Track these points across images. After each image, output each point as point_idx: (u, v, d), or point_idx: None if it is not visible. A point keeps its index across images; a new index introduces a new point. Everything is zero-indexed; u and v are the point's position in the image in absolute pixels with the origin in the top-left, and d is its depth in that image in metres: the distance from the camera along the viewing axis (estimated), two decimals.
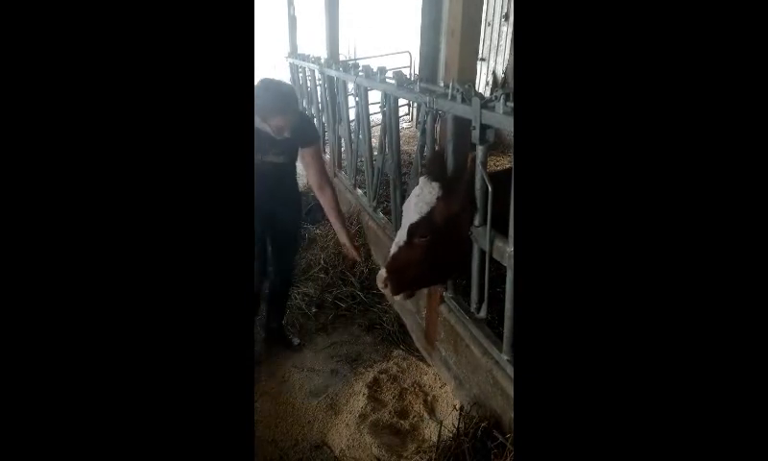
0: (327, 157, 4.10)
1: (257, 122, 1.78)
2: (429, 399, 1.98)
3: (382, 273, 1.58)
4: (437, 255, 1.58)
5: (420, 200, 1.59)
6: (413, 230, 1.58)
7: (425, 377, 2.11)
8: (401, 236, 1.60)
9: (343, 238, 2.18)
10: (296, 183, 2.18)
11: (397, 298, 1.66)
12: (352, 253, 2.20)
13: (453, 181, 1.63)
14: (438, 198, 1.58)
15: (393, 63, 6.82)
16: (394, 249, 1.62)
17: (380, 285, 1.59)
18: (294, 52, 5.10)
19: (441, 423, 1.75)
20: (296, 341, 2.36)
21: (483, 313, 1.70)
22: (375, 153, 2.92)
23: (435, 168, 1.67)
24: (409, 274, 1.59)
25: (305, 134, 1.98)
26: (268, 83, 1.79)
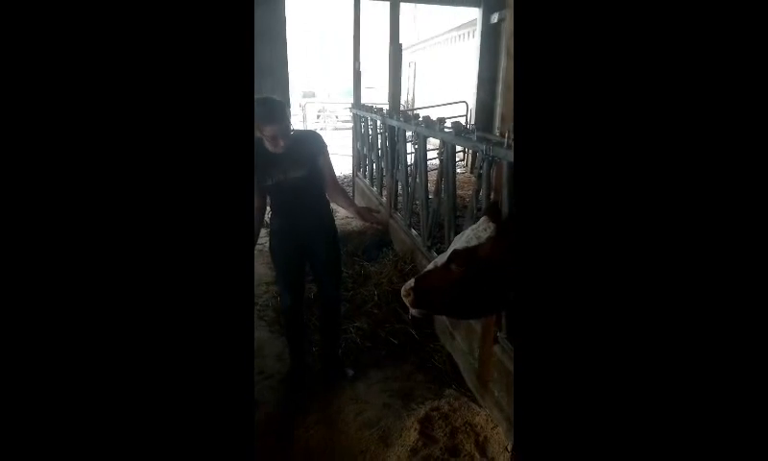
0: (384, 199, 4.31)
1: (267, 145, 1.95)
2: (481, 439, 1.97)
3: (410, 282, 1.61)
4: (465, 290, 1.62)
5: (474, 233, 1.67)
6: (454, 256, 1.64)
7: (477, 418, 2.10)
8: (442, 258, 1.66)
9: (360, 217, 2.23)
10: (326, 203, 2.26)
11: (413, 312, 1.68)
12: (371, 217, 2.21)
13: (508, 225, 1.71)
14: (489, 237, 1.65)
15: (449, 112, 7.09)
16: (430, 266, 1.68)
17: (403, 293, 1.61)
18: (357, 103, 5.50)
19: (483, 439, 1.74)
20: (350, 372, 2.45)
21: None
22: (431, 196, 3.07)
23: (494, 211, 1.76)
24: (434, 295, 1.61)
25: (313, 144, 2.11)
26: (257, 99, 1.90)
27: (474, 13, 8.01)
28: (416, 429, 2.02)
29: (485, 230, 1.68)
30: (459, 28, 10.50)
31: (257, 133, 1.95)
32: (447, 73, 11.29)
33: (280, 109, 1.95)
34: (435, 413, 2.14)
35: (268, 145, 1.97)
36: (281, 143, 1.96)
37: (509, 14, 1.88)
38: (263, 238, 3.00)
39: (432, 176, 3.40)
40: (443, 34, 11.63)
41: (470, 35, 9.57)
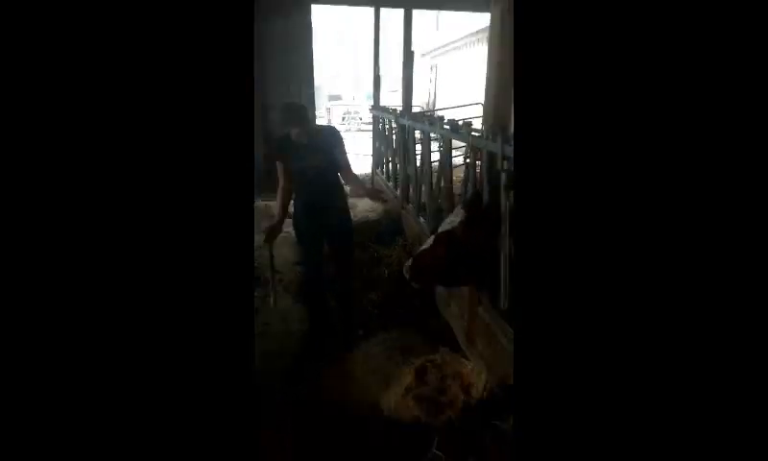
0: (399, 192, 4.72)
1: (294, 135, 2.44)
2: (466, 383, 2.36)
3: (409, 262, 2.09)
4: (450, 264, 2.06)
5: (449, 219, 2.12)
6: (436, 237, 2.08)
7: (465, 369, 2.49)
8: (429, 241, 2.12)
9: (369, 197, 2.76)
10: (340, 186, 2.73)
11: (414, 285, 2.14)
12: (378, 196, 2.72)
13: (476, 209, 2.11)
14: (461, 221, 2.07)
15: (468, 113, 7.43)
16: (421, 248, 2.14)
17: (404, 270, 2.09)
18: (377, 105, 5.93)
19: (468, 384, 2.14)
20: (360, 332, 2.91)
21: (505, 305, 2.11)
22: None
23: (475, 200, 2.18)
24: (426, 270, 2.09)
25: (331, 137, 2.61)
26: (283, 104, 2.46)
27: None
28: (411, 375, 2.43)
29: (456, 215, 2.10)
30: (477, 32, 10.81)
31: (293, 135, 2.47)
32: (466, 76, 11.61)
33: (303, 112, 2.46)
34: (429, 364, 2.53)
35: (294, 138, 2.45)
36: (305, 137, 2.43)
37: (493, 12, 2.28)
38: (288, 227, 3.45)
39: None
40: (462, 38, 11.97)
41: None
